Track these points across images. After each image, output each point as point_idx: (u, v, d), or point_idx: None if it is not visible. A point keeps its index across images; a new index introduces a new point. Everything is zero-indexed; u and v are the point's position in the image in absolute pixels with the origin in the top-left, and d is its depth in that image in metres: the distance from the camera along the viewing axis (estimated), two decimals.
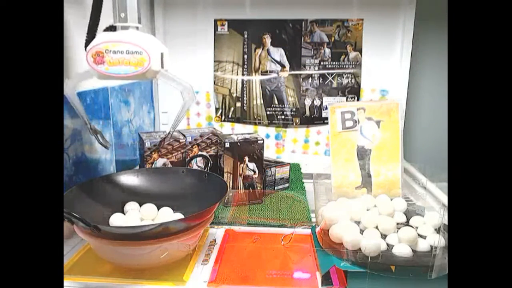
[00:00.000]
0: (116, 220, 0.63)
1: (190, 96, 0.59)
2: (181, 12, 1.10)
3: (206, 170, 0.87)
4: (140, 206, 0.67)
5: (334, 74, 1.12)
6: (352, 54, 1.11)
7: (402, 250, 0.55)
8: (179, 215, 0.65)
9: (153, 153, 0.82)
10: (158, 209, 0.67)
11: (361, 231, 0.60)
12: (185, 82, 0.58)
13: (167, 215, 0.66)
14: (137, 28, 0.58)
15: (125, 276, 0.57)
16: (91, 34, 0.58)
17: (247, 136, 0.84)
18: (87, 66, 0.56)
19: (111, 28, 0.59)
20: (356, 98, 1.13)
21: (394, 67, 1.10)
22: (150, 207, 0.66)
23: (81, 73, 0.59)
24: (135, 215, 0.64)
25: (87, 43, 0.58)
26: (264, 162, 0.86)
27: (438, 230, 0.59)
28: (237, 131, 1.16)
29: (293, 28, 1.10)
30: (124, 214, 0.66)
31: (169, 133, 0.61)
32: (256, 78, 1.13)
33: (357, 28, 1.09)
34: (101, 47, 0.54)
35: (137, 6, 0.57)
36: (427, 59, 1.14)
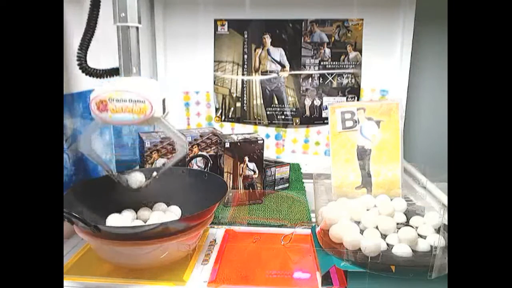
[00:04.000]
0: (112, 220, 0.63)
1: (182, 149, 0.60)
2: (181, 12, 1.10)
3: (206, 170, 0.87)
4: (139, 206, 0.67)
5: (334, 74, 1.12)
6: (352, 54, 1.11)
7: (402, 250, 0.55)
8: (175, 208, 0.65)
9: (153, 153, 0.82)
10: None
11: (361, 231, 0.60)
12: (180, 134, 0.60)
13: (162, 209, 0.66)
14: (137, 28, 0.58)
15: (125, 276, 0.57)
16: (83, 51, 0.59)
17: (247, 136, 0.84)
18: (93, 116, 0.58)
19: (114, 71, 0.60)
20: (356, 98, 1.13)
21: (394, 67, 1.10)
22: (145, 210, 0.67)
23: (90, 127, 0.61)
24: (130, 215, 0.64)
25: (80, 59, 0.58)
26: (264, 162, 0.86)
27: (438, 230, 0.59)
28: (237, 131, 1.16)
29: (293, 28, 1.10)
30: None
31: (154, 177, 0.63)
32: (256, 78, 1.13)
33: (357, 28, 1.09)
34: (105, 96, 0.56)
35: (137, 6, 0.57)
36: (427, 59, 1.14)
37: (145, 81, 0.59)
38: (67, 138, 0.70)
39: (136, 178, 0.63)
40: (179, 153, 0.61)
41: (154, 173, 0.64)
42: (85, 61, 0.60)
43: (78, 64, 0.59)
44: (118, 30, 0.58)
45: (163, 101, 0.58)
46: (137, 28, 0.58)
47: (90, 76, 0.60)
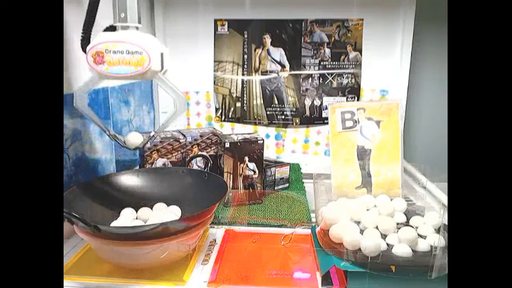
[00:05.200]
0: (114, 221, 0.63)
1: (182, 105, 0.59)
2: (181, 12, 1.10)
3: (206, 170, 0.87)
4: (139, 206, 0.67)
5: (334, 74, 1.12)
6: (352, 54, 1.11)
7: (402, 250, 0.55)
8: (175, 208, 0.65)
9: (153, 153, 0.82)
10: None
11: (361, 231, 0.60)
12: (180, 91, 0.59)
13: (162, 209, 0.66)
14: (137, 28, 0.58)
15: (125, 276, 0.57)
16: (86, 34, 0.58)
17: (247, 136, 0.84)
18: (89, 72, 0.56)
19: (111, 28, 0.59)
20: (356, 98, 1.13)
21: (394, 67, 1.10)
22: (145, 210, 0.67)
23: (86, 82, 0.59)
24: (130, 215, 0.64)
25: (83, 42, 0.58)
26: (264, 162, 0.86)
27: (438, 230, 0.59)
28: (237, 131, 1.16)
29: (293, 28, 1.10)
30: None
31: (152, 136, 0.62)
32: (256, 78, 1.13)
33: (357, 28, 1.09)
34: (101, 47, 0.54)
35: (137, 6, 0.57)
36: (427, 59, 1.14)
37: (143, 35, 0.58)
38: (67, 138, 0.70)
39: (134, 138, 0.62)
40: (178, 110, 0.59)
41: (152, 133, 0.63)
42: (88, 42, 0.59)
43: (81, 45, 0.58)
44: (118, 30, 0.58)
45: (162, 55, 0.57)
46: (137, 28, 0.58)
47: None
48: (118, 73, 0.55)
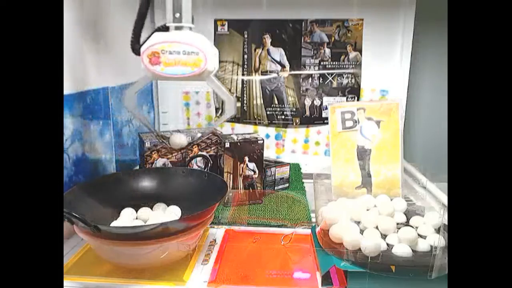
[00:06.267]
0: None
1: (231, 107, 0.59)
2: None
3: (206, 170, 0.87)
4: (139, 206, 0.68)
5: (334, 74, 1.12)
6: (352, 54, 1.11)
7: (402, 250, 0.55)
8: (176, 208, 0.65)
9: (153, 153, 0.82)
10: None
11: (361, 231, 0.60)
12: (230, 94, 0.59)
13: (162, 209, 0.66)
14: (190, 28, 0.58)
15: (125, 276, 0.57)
16: (136, 35, 0.58)
17: (247, 136, 0.84)
18: (142, 72, 0.56)
19: (163, 28, 0.58)
20: (356, 98, 1.13)
21: (394, 67, 1.10)
22: (145, 210, 0.67)
23: (136, 83, 0.59)
24: (130, 215, 0.64)
25: (133, 44, 0.58)
26: (264, 162, 0.86)
27: (438, 230, 0.59)
28: (237, 131, 1.16)
29: (293, 28, 1.10)
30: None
31: (198, 137, 0.62)
32: (256, 78, 1.13)
33: (357, 28, 1.09)
34: (157, 47, 0.54)
35: (190, 7, 0.57)
36: (427, 59, 1.14)
37: (197, 35, 0.57)
38: (67, 138, 0.70)
39: (178, 139, 0.62)
40: (227, 112, 0.59)
41: (199, 134, 0.63)
42: (137, 42, 0.59)
43: (131, 45, 0.58)
44: (171, 30, 0.58)
45: (215, 55, 0.57)
46: (190, 28, 0.58)
47: (139, 55, 0.59)
48: (174, 74, 0.55)
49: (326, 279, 0.56)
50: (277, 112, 1.15)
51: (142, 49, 0.55)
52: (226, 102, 0.59)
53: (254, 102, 1.15)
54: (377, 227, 0.60)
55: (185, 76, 0.55)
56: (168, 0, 0.56)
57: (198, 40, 0.56)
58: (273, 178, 0.90)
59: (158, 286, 0.56)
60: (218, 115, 1.17)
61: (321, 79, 1.13)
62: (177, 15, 0.56)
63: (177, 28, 0.57)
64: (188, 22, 0.57)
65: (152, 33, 0.58)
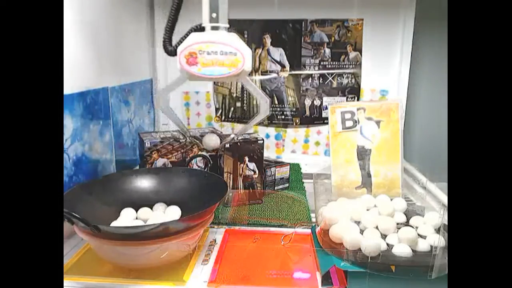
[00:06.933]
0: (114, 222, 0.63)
1: (265, 108, 0.59)
2: (181, 12, 1.10)
3: (206, 170, 0.87)
4: (139, 206, 0.68)
5: (334, 74, 1.12)
6: (352, 54, 1.11)
7: (402, 250, 0.55)
8: (176, 208, 0.65)
9: (153, 153, 0.82)
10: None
11: (361, 231, 0.60)
12: (264, 94, 0.58)
13: (162, 209, 0.66)
14: (225, 28, 0.58)
15: (125, 276, 0.57)
16: (168, 36, 0.58)
17: (247, 136, 0.84)
18: (177, 73, 0.56)
19: (198, 28, 0.58)
20: (356, 98, 1.13)
21: (394, 67, 1.10)
22: (145, 210, 0.67)
23: (171, 84, 0.58)
24: (130, 215, 0.65)
25: (165, 44, 0.57)
26: (264, 162, 0.86)
27: (438, 230, 0.59)
28: (237, 131, 1.16)
29: (293, 28, 1.10)
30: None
31: (232, 138, 0.61)
32: (256, 78, 1.13)
33: (357, 28, 1.09)
34: (195, 48, 0.54)
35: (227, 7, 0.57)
36: (427, 59, 1.14)
37: (232, 35, 0.57)
38: (67, 138, 0.70)
39: (211, 141, 0.62)
40: (262, 113, 0.59)
41: (232, 135, 0.63)
42: (170, 43, 0.59)
43: (163, 46, 0.58)
44: (207, 30, 0.58)
45: (250, 55, 0.56)
46: (226, 28, 0.57)
47: (172, 56, 0.59)
48: (211, 74, 0.54)
49: (326, 279, 0.56)
50: (277, 112, 1.15)
51: (179, 49, 0.55)
52: (261, 102, 0.59)
53: (254, 102, 1.15)
54: (377, 227, 0.60)
55: (223, 77, 0.55)
56: (204, 0, 0.55)
57: (235, 40, 0.55)
58: (273, 178, 0.90)
59: (158, 286, 0.56)
60: (218, 115, 1.17)
61: (321, 79, 1.13)
62: (214, 15, 0.55)
63: (213, 28, 0.56)
64: (224, 22, 0.56)
65: (187, 33, 0.58)
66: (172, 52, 0.58)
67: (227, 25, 0.57)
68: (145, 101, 1.09)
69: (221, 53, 0.54)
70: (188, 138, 0.60)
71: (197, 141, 0.61)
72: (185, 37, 0.57)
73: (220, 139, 0.62)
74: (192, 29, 0.58)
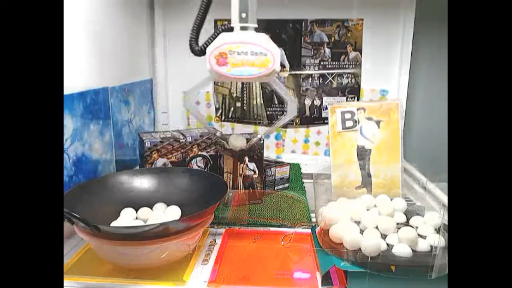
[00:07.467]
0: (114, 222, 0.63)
1: (293, 109, 0.59)
2: (181, 12, 1.10)
3: (206, 170, 0.87)
4: (139, 206, 0.68)
5: (334, 74, 1.12)
6: (352, 54, 1.11)
7: (402, 250, 0.55)
8: (176, 208, 0.65)
9: (153, 153, 0.82)
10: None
11: (361, 231, 0.60)
12: (291, 95, 0.58)
13: (162, 209, 0.66)
14: (254, 28, 0.57)
15: (125, 276, 0.57)
16: (195, 36, 0.58)
17: (247, 136, 0.84)
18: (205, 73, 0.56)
19: (226, 28, 0.58)
20: (356, 98, 1.13)
21: (394, 67, 1.10)
22: (145, 210, 0.67)
23: (198, 84, 0.58)
24: (130, 215, 0.65)
25: (191, 43, 0.57)
26: (264, 162, 0.86)
27: (438, 230, 0.59)
28: (237, 131, 1.16)
29: (293, 28, 1.10)
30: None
31: (258, 138, 0.61)
32: None
33: (357, 28, 1.09)
34: (225, 48, 0.53)
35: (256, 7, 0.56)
36: (427, 59, 1.14)
37: (262, 35, 0.56)
38: (67, 138, 0.70)
39: (237, 141, 0.62)
40: (289, 114, 0.59)
41: (259, 136, 0.63)
42: (196, 43, 0.58)
43: (190, 46, 0.58)
44: (235, 30, 0.57)
45: (279, 55, 0.56)
46: (255, 29, 0.57)
47: (199, 56, 0.59)
48: (241, 74, 0.54)
49: (326, 279, 0.56)
50: (277, 112, 1.15)
51: (209, 49, 0.54)
52: (288, 103, 0.58)
53: (254, 102, 1.15)
54: (377, 227, 0.60)
55: (253, 77, 0.54)
56: (234, 1, 0.55)
57: (265, 40, 0.55)
58: (273, 178, 0.90)
59: (158, 286, 0.56)
60: (218, 115, 1.16)
61: (321, 79, 1.12)
62: (243, 15, 0.55)
63: (242, 28, 0.56)
64: (253, 22, 0.56)
65: (215, 33, 0.58)
66: (199, 52, 0.58)
67: (256, 25, 0.57)
68: (145, 101, 1.09)
69: (252, 53, 0.54)
70: (215, 138, 0.60)
71: (223, 141, 0.61)
72: (213, 38, 0.57)
73: (246, 140, 0.62)
74: (221, 29, 0.58)
